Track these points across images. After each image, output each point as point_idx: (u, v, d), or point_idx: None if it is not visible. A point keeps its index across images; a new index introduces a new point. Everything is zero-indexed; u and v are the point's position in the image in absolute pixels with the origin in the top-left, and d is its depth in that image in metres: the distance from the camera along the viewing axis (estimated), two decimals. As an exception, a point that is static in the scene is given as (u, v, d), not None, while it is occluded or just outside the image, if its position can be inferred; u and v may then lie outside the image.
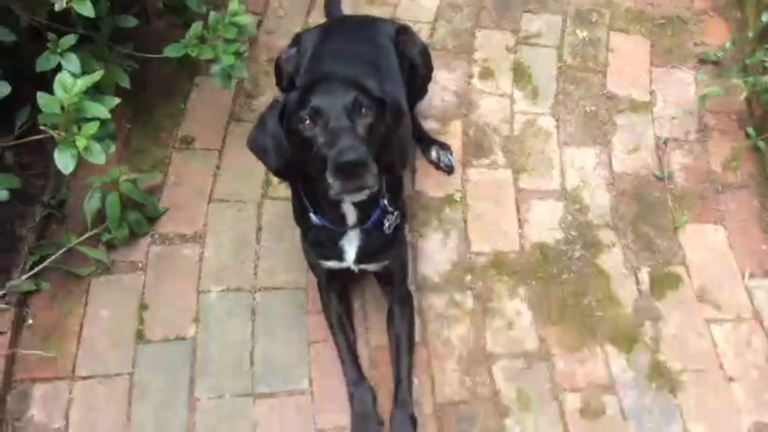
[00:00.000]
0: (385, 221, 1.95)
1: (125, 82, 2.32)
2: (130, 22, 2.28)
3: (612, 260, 2.39)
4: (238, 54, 2.23)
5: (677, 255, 2.42)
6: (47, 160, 2.41)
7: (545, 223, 2.46)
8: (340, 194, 1.64)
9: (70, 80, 1.85)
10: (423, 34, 2.95)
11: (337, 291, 2.19)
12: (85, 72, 2.14)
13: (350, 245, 1.99)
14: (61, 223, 2.36)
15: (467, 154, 2.63)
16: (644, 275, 2.36)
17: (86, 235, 2.26)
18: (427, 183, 2.54)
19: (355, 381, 2.06)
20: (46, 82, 2.17)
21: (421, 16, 3.03)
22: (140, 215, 2.33)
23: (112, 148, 1.92)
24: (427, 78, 2.47)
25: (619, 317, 2.28)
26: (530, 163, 2.62)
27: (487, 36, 2.98)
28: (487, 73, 2.86)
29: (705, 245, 2.44)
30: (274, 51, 2.84)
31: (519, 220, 2.47)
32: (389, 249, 2.04)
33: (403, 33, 2.39)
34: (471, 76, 2.85)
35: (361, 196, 1.68)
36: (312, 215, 1.93)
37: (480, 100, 2.78)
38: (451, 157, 2.57)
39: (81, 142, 1.82)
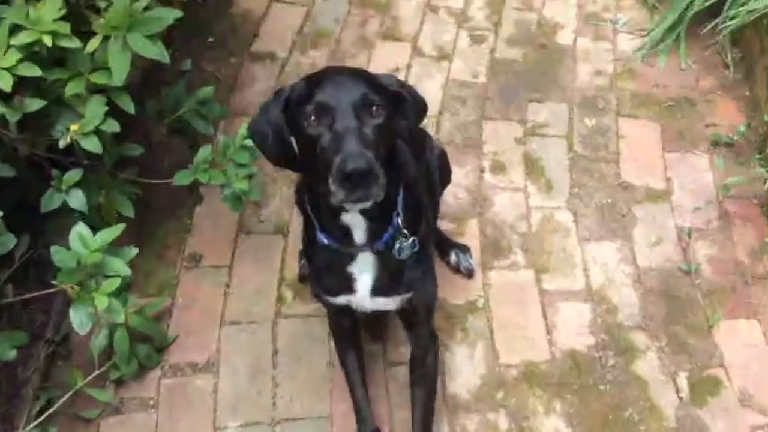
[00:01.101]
0: (397, 243, 1.70)
1: (129, 212, 2.23)
2: (136, 150, 2.20)
3: (648, 366, 2.28)
4: (250, 177, 2.14)
5: (714, 356, 2.31)
6: (51, 295, 2.31)
7: (574, 327, 2.36)
8: (342, 202, 1.47)
9: (88, 235, 1.76)
10: (430, 129, 2.90)
11: (350, 339, 2.05)
12: (89, 205, 2.07)
13: (361, 273, 1.75)
14: (66, 359, 2.24)
15: (486, 255, 2.54)
16: (683, 381, 2.25)
17: (93, 375, 2.13)
18: (448, 289, 2.43)
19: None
20: (41, 214, 2.09)
21: (425, 111, 2.97)
22: (149, 348, 2.21)
23: (130, 301, 1.82)
24: (446, 183, 2.40)
25: (662, 431, 2.15)
26: (552, 262, 2.52)
27: (494, 128, 2.93)
28: (498, 167, 2.80)
29: (741, 342, 2.34)
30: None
31: (546, 325, 2.36)
32: (411, 281, 1.79)
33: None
34: (482, 171, 2.79)
35: (365, 205, 1.51)
36: (318, 233, 1.71)
37: (494, 196, 2.71)
38: (471, 261, 2.47)
39: (101, 302, 1.71)
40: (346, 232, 1.67)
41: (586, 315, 2.39)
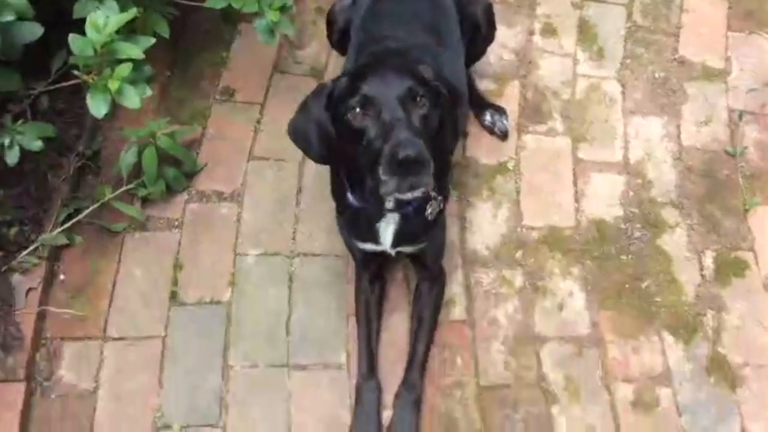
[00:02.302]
0: (428, 207, 1.79)
1: (164, 31, 2.17)
2: (172, -33, 2.12)
3: (674, 242, 2.22)
4: (284, 8, 2.06)
5: (746, 239, 2.24)
6: (83, 107, 2.32)
7: (604, 197, 2.30)
8: (393, 193, 1.51)
9: (102, 20, 1.73)
10: (481, -16, 2.74)
11: (369, 273, 2.06)
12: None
13: (387, 228, 1.85)
14: (96, 175, 2.27)
15: (524, 118, 2.45)
16: (708, 260, 2.20)
17: (121, 190, 2.17)
18: (479, 149, 2.38)
19: (365, 375, 1.96)
20: (82, 24, 2.06)
21: (480, -35, 2.81)
22: (178, 171, 2.23)
23: (148, 92, 1.81)
24: (490, 39, 2.28)
25: (679, 304, 2.13)
26: (591, 132, 2.43)
27: (551, -11, 2.76)
28: (549, 31, 2.66)
29: (777, 230, 2.26)
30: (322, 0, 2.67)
31: (576, 193, 2.31)
32: (428, 231, 1.90)
33: None
34: (532, 33, 2.65)
35: (415, 194, 1.55)
36: (349, 195, 1.80)
37: (540, 60, 2.59)
38: (506, 122, 2.40)
39: (114, 85, 1.70)
40: (381, 202, 1.74)
41: (618, 187, 2.32)
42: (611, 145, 2.41)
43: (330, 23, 2.25)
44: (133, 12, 1.74)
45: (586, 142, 2.41)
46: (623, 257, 2.19)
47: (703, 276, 2.17)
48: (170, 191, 2.24)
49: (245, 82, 2.50)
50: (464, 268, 2.16)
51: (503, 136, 2.40)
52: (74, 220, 2.11)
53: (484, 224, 2.24)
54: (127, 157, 2.16)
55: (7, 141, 1.84)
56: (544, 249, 2.20)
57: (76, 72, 1.73)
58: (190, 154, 2.28)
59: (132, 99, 1.70)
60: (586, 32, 2.65)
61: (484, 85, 2.51)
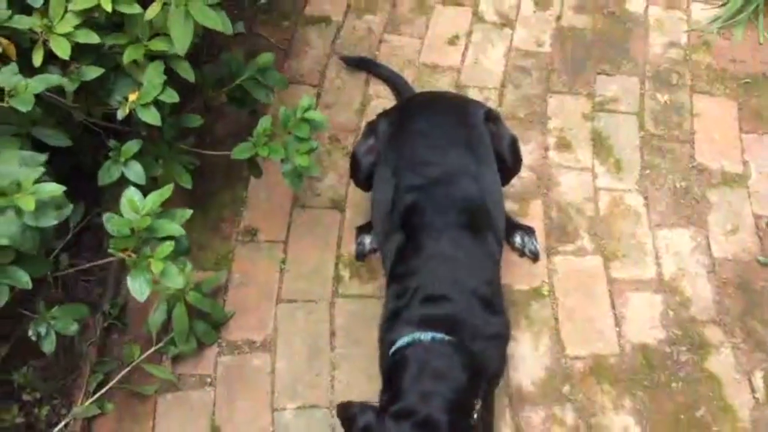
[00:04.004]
0: None
1: (186, 182, 2.16)
2: (195, 121, 2.11)
3: (722, 363, 2.18)
4: (310, 151, 2.05)
5: (792, 354, 2.20)
6: (106, 266, 2.26)
7: (645, 320, 2.26)
8: None
9: (138, 199, 1.69)
10: (491, 101, 2.77)
11: None
12: (147, 177, 1.99)
13: None
14: (122, 333, 2.20)
15: (551, 239, 2.43)
16: (758, 381, 2.15)
17: (151, 351, 2.10)
18: (511, 274, 2.34)
19: None
20: (96, 181, 2.02)
21: (487, 82, 2.84)
22: (207, 325, 2.16)
23: (189, 267, 1.76)
24: (515, 171, 2.27)
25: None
26: (621, 249, 2.41)
27: (560, 102, 2.79)
28: (564, 145, 2.67)
29: (822, 341, 2.23)
30: (334, 127, 2.68)
31: (615, 316, 2.27)
32: None
33: (492, 121, 2.19)
34: (547, 149, 2.66)
35: None
36: None
37: (559, 176, 2.59)
38: (536, 243, 2.37)
39: (157, 267, 1.64)
40: None
41: (657, 307, 2.29)
42: (643, 262, 2.39)
43: (354, 166, 2.24)
44: (169, 189, 1.71)
45: (618, 260, 2.39)
46: (674, 385, 2.13)
47: (756, 399, 2.12)
48: (200, 345, 2.17)
49: (266, 220, 2.47)
50: (511, 407, 2.09)
51: (534, 257, 2.37)
52: (105, 389, 2.02)
53: (526, 357, 2.18)
54: (156, 317, 2.09)
55: (43, 330, 1.77)
56: (592, 380, 2.14)
57: (111, 250, 1.67)
58: (217, 305, 2.22)
59: (175, 279, 1.65)
60: (600, 144, 2.67)
61: (507, 206, 2.48)
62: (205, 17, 1.81)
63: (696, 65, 2.86)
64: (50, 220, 1.55)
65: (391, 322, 1.80)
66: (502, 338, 1.85)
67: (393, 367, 1.71)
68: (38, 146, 1.93)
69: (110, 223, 1.66)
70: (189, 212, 1.74)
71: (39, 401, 1.93)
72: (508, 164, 2.20)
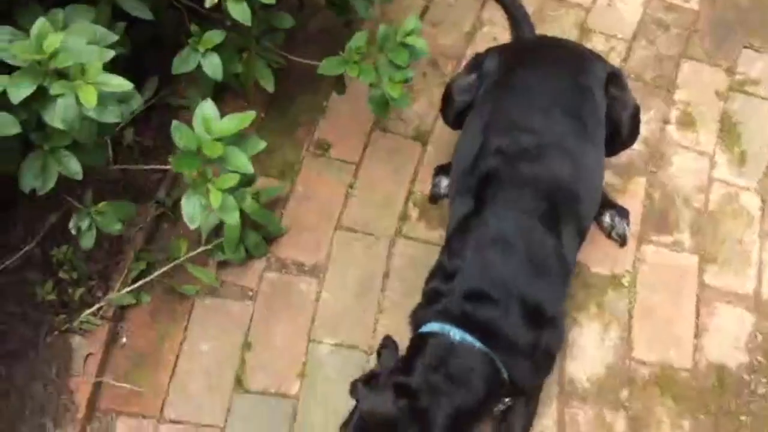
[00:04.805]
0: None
1: (269, 84, 1.98)
2: (286, 21, 1.90)
3: (804, 406, 1.94)
4: (405, 81, 1.82)
5: None
6: (170, 147, 2.14)
7: (729, 338, 2.02)
8: None
9: (214, 116, 1.52)
10: (617, 54, 2.46)
11: None
12: (225, 73, 1.82)
13: None
14: (173, 225, 2.10)
15: (647, 225, 2.18)
16: (841, 435, 1.91)
17: (198, 251, 1.99)
18: (592, 253, 2.11)
19: None
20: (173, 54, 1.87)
21: (617, 30, 2.51)
22: (259, 236, 2.03)
23: (248, 202, 1.61)
24: (629, 145, 2.02)
25: (801, 485, 1.86)
26: (722, 253, 2.15)
27: (694, 70, 2.44)
28: (687, 121, 2.36)
29: None
30: (436, 49, 2.42)
31: (697, 326, 2.04)
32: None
33: (614, 84, 1.92)
34: (667, 121, 2.35)
35: None
36: None
37: (673, 155, 2.29)
38: (627, 227, 2.13)
39: (215, 197, 1.49)
40: None
41: (746, 327, 2.04)
42: (743, 273, 2.12)
43: (446, 101, 2.02)
44: (251, 116, 1.53)
45: (716, 264, 2.13)
46: (743, 417, 1.91)
47: (833, 455, 1.89)
48: (249, 255, 2.05)
49: (342, 136, 2.28)
50: (560, 398, 1.92)
51: (622, 241, 2.13)
52: (146, 280, 1.94)
53: (588, 348, 1.99)
54: (209, 219, 1.96)
55: (84, 224, 1.66)
56: (655, 391, 1.94)
57: (171, 165, 1.52)
58: (274, 217, 2.08)
59: (231, 213, 1.50)
60: (728, 129, 2.34)
61: (606, 178, 2.22)
62: None
63: None
64: (112, 116, 1.40)
65: (427, 303, 1.69)
66: (548, 355, 1.70)
67: (412, 348, 1.62)
68: (117, 14, 1.78)
69: (178, 133, 1.50)
70: (263, 144, 1.57)
71: (76, 282, 1.86)
72: (623, 137, 1.95)
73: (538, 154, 1.75)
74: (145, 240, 2.04)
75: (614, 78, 1.93)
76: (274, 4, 1.70)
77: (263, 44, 1.95)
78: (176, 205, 2.09)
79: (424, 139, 2.30)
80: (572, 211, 1.75)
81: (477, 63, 2.00)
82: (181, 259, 1.97)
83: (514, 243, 1.67)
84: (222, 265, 2.05)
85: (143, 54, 2.01)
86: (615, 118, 1.89)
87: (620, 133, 1.92)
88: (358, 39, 1.85)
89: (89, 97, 1.38)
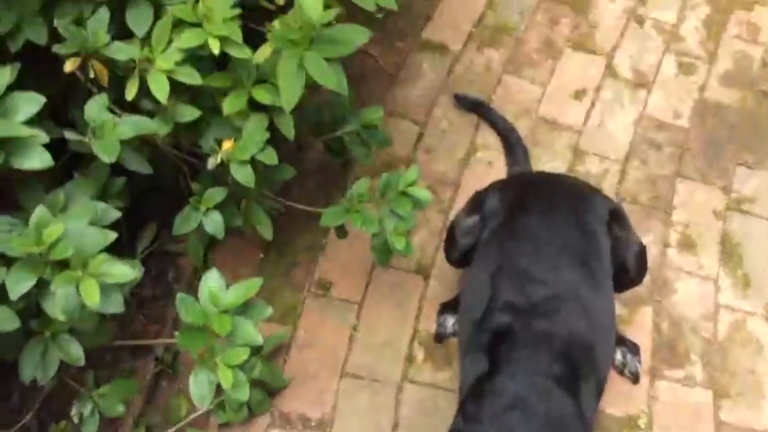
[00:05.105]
0: None
1: (267, 232, 1.94)
2: (287, 173, 1.88)
3: None
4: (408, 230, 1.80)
5: None
6: (169, 296, 2.09)
7: (750, 478, 1.97)
8: None
9: (220, 289, 1.47)
10: (611, 177, 2.46)
11: None
12: (226, 227, 1.78)
13: None
14: (172, 381, 2.02)
15: (657, 359, 2.14)
16: None
17: (199, 413, 1.90)
18: (605, 393, 2.05)
19: None
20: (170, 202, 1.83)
21: (610, 151, 2.53)
22: (263, 393, 1.96)
23: (257, 371, 1.55)
24: (637, 283, 1.99)
25: None
26: (735, 385, 2.11)
27: (689, 190, 2.46)
28: (687, 244, 2.35)
29: None
30: (432, 175, 2.42)
31: (717, 468, 1.98)
32: None
33: (617, 223, 1.91)
34: (667, 245, 2.35)
35: None
36: None
37: (677, 281, 2.28)
38: (639, 364, 2.09)
39: (225, 377, 1.44)
40: None
41: (767, 465, 1.99)
42: (758, 406, 2.08)
43: (450, 242, 1.99)
44: (258, 283, 1.49)
45: (730, 399, 2.09)
46: None
47: None
48: (251, 414, 1.97)
49: (343, 273, 2.24)
50: None
51: (634, 378, 2.09)
52: (144, 450, 1.85)
53: (609, 499, 1.92)
54: (212, 378, 1.89)
55: (88, 410, 1.59)
56: None
57: (178, 342, 1.47)
58: (277, 371, 2.02)
59: (242, 391, 1.43)
60: (729, 251, 2.34)
61: (612, 308, 2.20)
62: (320, 72, 1.56)
63: None
64: (115, 307, 1.35)
65: None
66: None
67: None
68: (116, 169, 1.75)
69: (183, 308, 1.45)
70: (269, 311, 1.52)
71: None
72: (631, 276, 1.93)
73: (551, 309, 1.71)
74: (145, 399, 1.96)
75: (616, 216, 1.92)
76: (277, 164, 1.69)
77: (262, 193, 1.92)
78: (176, 358, 2.04)
79: (426, 273, 2.26)
80: (590, 366, 1.71)
81: (478, 203, 1.99)
82: (182, 423, 1.88)
83: (531, 407, 1.61)
84: (224, 426, 1.96)
85: (141, 202, 1.98)
86: (620, 258, 1.87)
87: (627, 272, 1.90)
88: (360, 186, 1.83)
89: (91, 292, 1.33)
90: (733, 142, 2.54)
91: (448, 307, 2.15)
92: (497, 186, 2.06)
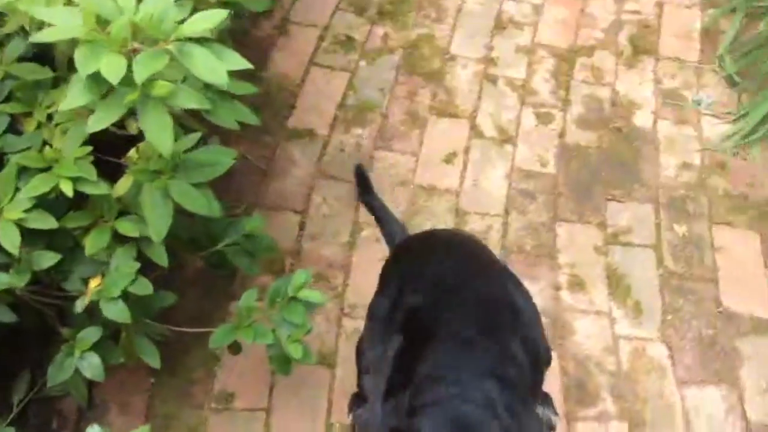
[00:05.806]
0: None
1: (154, 360, 1.82)
2: (168, 299, 1.79)
3: None
4: (306, 333, 1.75)
5: None
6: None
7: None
8: None
9: None
10: (494, 233, 2.52)
11: None
12: (106, 364, 1.67)
13: None
14: None
15: (570, 402, 2.15)
16: None
17: None
18: (527, 449, 2.04)
19: None
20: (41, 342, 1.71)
21: (489, 207, 2.59)
22: None
23: None
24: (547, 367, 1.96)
25: None
26: (648, 413, 2.14)
27: (569, 232, 2.54)
28: (576, 283, 2.41)
29: None
30: (321, 263, 2.39)
31: (648, 502, 1.98)
32: None
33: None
34: (558, 288, 2.40)
35: None
36: None
37: (574, 321, 2.32)
38: (554, 415, 2.07)
39: None
40: None
41: (693, 488, 2.01)
42: (672, 427, 2.12)
43: (359, 357, 1.97)
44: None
45: (645, 426, 2.11)
46: None
47: None
48: None
49: (244, 381, 2.14)
50: None
51: (551, 429, 2.07)
52: None
53: None
54: None
55: None
56: None
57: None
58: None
59: None
60: (616, 283, 2.42)
61: (518, 361, 2.20)
62: (187, 199, 1.52)
63: (712, 191, 2.65)
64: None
65: None
66: None
67: None
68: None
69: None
70: None
71: None
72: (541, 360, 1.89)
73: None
74: None
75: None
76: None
77: (143, 322, 1.82)
78: None
79: (330, 362, 2.20)
80: None
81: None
82: None
83: None
84: None
85: (10, 348, 1.85)
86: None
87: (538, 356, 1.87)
88: (248, 299, 1.77)
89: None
90: (599, 180, 2.67)
91: (359, 398, 2.08)
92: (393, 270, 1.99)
